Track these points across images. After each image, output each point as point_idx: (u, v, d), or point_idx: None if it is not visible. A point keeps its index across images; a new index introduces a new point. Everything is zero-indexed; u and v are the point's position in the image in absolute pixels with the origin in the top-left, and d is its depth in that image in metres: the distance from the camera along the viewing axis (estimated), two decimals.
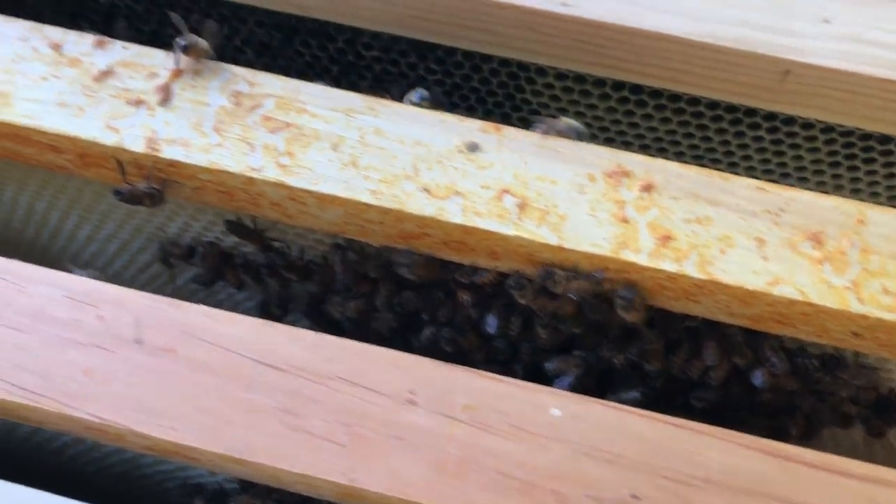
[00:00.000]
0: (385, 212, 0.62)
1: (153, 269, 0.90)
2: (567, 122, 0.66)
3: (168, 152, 0.63)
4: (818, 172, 0.80)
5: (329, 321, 0.82)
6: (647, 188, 0.63)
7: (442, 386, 0.55)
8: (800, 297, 0.60)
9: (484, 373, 0.56)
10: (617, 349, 0.71)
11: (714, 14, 0.70)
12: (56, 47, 0.66)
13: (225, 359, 0.55)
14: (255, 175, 0.62)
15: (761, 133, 0.79)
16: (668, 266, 0.60)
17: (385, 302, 0.74)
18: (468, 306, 0.71)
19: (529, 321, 0.71)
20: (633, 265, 0.61)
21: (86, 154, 0.65)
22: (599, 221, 0.62)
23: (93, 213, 0.82)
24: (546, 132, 0.65)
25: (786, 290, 0.60)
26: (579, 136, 0.66)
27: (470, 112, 0.90)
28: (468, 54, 0.82)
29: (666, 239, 0.61)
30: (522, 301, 0.66)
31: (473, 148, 0.64)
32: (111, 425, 0.53)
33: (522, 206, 0.62)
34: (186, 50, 0.66)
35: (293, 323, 0.85)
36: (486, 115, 0.89)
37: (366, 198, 0.62)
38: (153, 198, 0.65)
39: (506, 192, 0.62)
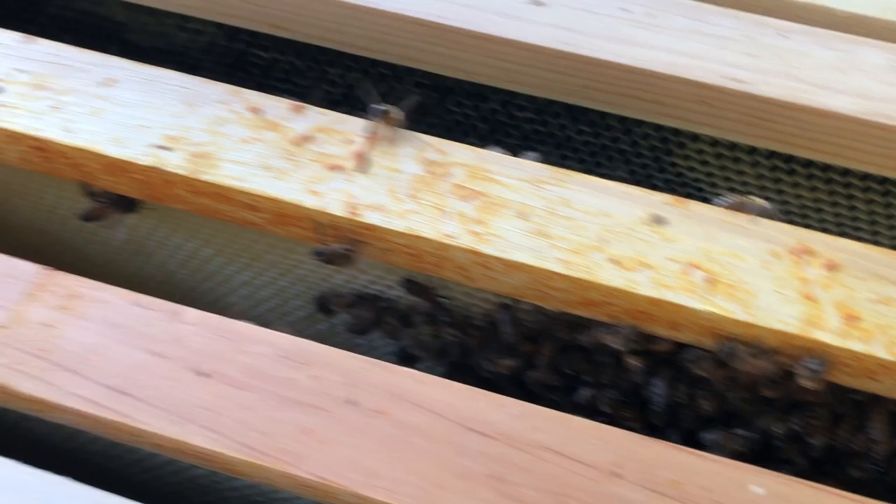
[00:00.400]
0: (573, 281, 0.64)
1: (301, 313, 0.93)
2: (758, 201, 0.67)
3: (367, 217, 0.65)
4: None
5: (465, 370, 0.84)
6: (831, 267, 0.64)
7: (645, 459, 0.57)
8: None
9: (684, 447, 0.58)
10: (780, 420, 0.72)
11: (883, 93, 0.72)
12: (256, 111, 0.70)
13: (435, 423, 0.57)
14: (449, 241, 0.65)
15: None
16: (857, 346, 0.62)
17: (547, 362, 0.76)
18: (635, 371, 0.73)
19: (693, 390, 0.73)
20: (820, 344, 0.62)
21: (283, 214, 0.68)
22: (786, 299, 0.63)
23: (259, 261, 0.85)
24: (732, 207, 0.67)
25: None
26: (764, 215, 0.67)
27: (613, 170, 0.92)
28: (622, 118, 0.85)
29: (852, 318, 0.63)
30: (699, 372, 0.68)
31: (659, 221, 0.66)
32: (331, 485, 0.55)
33: (711, 281, 0.63)
34: (382, 118, 0.68)
35: (429, 370, 0.88)
36: (630, 175, 0.91)
37: (556, 267, 0.64)
38: (347, 258, 0.67)
39: (693, 266, 0.64)
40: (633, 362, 0.72)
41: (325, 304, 0.85)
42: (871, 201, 0.82)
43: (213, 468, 0.58)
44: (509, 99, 0.88)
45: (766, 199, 0.84)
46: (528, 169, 0.68)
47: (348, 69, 0.91)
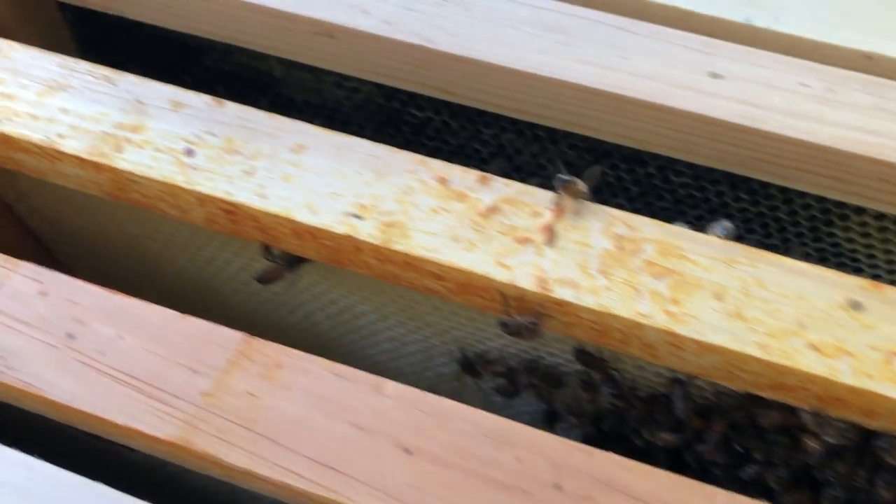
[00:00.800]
0: (769, 366, 0.63)
1: (443, 369, 0.93)
2: None
3: (558, 292, 0.65)
4: None
5: (613, 437, 0.83)
6: None
7: None
8: None
9: None
10: None
11: None
12: (442, 181, 0.70)
13: None
14: (643, 321, 0.64)
15: None
16: None
17: (717, 439, 0.75)
18: (813, 454, 0.71)
19: (875, 477, 0.71)
20: None
21: (469, 284, 0.68)
22: None
23: (416, 321, 0.86)
24: None
25: None
26: None
27: (767, 238, 0.91)
28: (784, 188, 0.84)
29: None
30: (891, 461, 0.66)
31: (856, 306, 0.65)
32: None
33: None
34: (568, 189, 0.68)
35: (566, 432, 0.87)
36: (783, 243, 0.90)
37: (754, 351, 0.63)
38: (532, 332, 0.67)
39: (894, 355, 0.63)
40: (814, 445, 0.70)
41: (473, 367, 0.86)
42: None
43: None
44: (668, 164, 0.87)
45: None
46: (719, 247, 0.67)
47: (503, 130, 0.91)
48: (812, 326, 0.64)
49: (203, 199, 0.71)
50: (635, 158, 0.88)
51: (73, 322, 0.63)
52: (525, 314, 0.67)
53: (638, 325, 0.65)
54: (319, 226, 0.68)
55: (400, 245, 0.67)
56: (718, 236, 0.74)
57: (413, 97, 0.91)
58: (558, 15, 0.80)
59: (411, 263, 0.68)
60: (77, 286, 0.65)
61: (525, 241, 0.68)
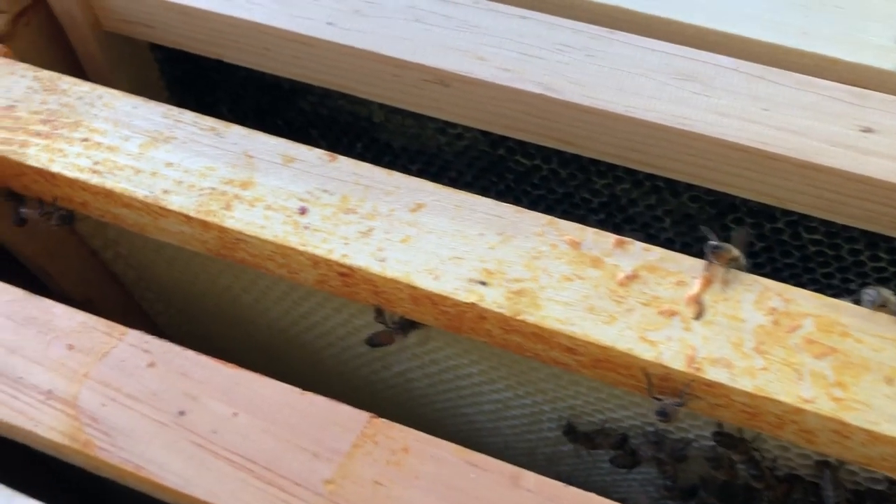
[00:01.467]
0: None
1: (548, 434, 0.87)
2: None
3: (711, 373, 0.59)
4: None
5: None
6: None
7: None
8: None
9: None
10: None
11: None
12: (574, 245, 0.65)
13: None
14: (806, 407, 0.58)
15: None
16: None
17: None
18: None
19: None
20: None
21: (605, 360, 0.62)
22: None
23: (527, 386, 0.80)
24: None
25: None
26: None
27: None
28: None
29: None
30: None
31: None
32: None
33: None
34: (718, 257, 0.63)
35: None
36: None
37: None
38: (677, 412, 0.61)
39: None
40: None
41: (584, 438, 0.80)
42: None
43: None
44: (800, 220, 0.81)
45: None
46: (886, 324, 0.61)
47: (618, 179, 0.86)
48: None
49: (317, 262, 0.66)
50: (763, 213, 0.82)
51: (184, 398, 0.59)
52: (667, 393, 0.61)
53: (799, 411, 0.58)
54: (442, 293, 0.63)
55: (531, 316, 0.62)
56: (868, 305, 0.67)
57: (522, 144, 0.86)
58: (691, 62, 0.74)
59: (541, 335, 0.63)
60: (188, 357, 0.61)
61: (671, 314, 0.62)
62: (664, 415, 0.60)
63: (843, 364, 0.59)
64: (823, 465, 0.68)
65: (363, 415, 0.58)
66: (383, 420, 0.58)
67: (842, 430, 0.58)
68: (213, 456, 0.57)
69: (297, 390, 0.59)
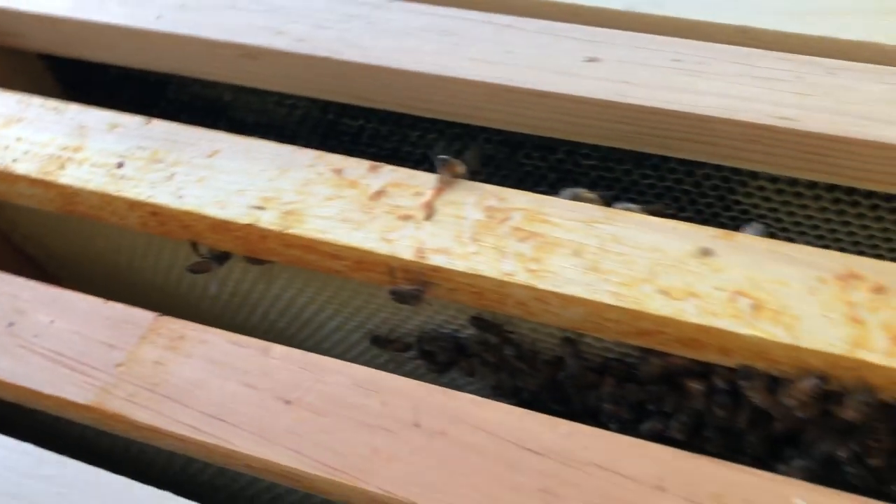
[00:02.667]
0: (624, 312, 0.69)
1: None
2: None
3: (433, 259, 0.72)
4: None
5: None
6: (879, 290, 0.66)
7: (689, 473, 0.60)
8: None
9: (728, 462, 0.61)
10: (841, 443, 0.73)
11: None
12: (338, 172, 0.79)
13: (491, 442, 0.63)
14: (507, 279, 0.71)
15: None
16: None
17: (611, 395, 0.80)
18: (697, 396, 0.75)
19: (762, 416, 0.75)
20: (867, 364, 0.64)
21: (362, 261, 0.76)
22: (832, 322, 0.65)
23: (346, 307, 0.93)
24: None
25: None
26: None
27: (681, 212, 0.96)
28: (683, 161, 0.89)
29: None
30: (754, 398, 0.70)
31: (706, 253, 0.70)
32: (397, 499, 0.61)
33: (756, 307, 0.66)
34: (447, 169, 0.76)
35: None
36: (697, 215, 0.95)
37: (607, 299, 0.69)
38: (416, 298, 0.74)
39: (739, 293, 0.67)
40: (697, 386, 0.75)
41: (381, 342, 0.93)
42: None
43: (296, 486, 0.65)
44: (574, 149, 0.94)
45: (818, 226, 0.87)
46: (582, 210, 0.74)
47: (426, 131, 0.99)
48: (663, 274, 0.69)
49: (132, 205, 0.81)
50: (545, 146, 0.95)
51: (14, 312, 0.74)
52: (411, 283, 0.75)
53: (504, 284, 0.71)
54: (227, 219, 0.77)
55: (297, 230, 0.76)
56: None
57: (344, 108, 1.00)
58: (451, 20, 0.88)
59: (310, 246, 0.76)
60: (20, 283, 0.76)
61: (407, 217, 0.75)
62: (396, 294, 0.73)
63: (540, 244, 0.72)
64: (565, 340, 0.81)
65: (151, 314, 0.73)
66: (168, 317, 0.73)
67: (539, 296, 0.71)
68: (33, 353, 0.71)
69: (101, 300, 0.74)
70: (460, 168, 0.77)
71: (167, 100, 1.10)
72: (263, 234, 0.77)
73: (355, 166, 0.79)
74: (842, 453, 0.74)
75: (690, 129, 0.80)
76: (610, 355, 0.81)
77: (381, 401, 0.66)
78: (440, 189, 0.76)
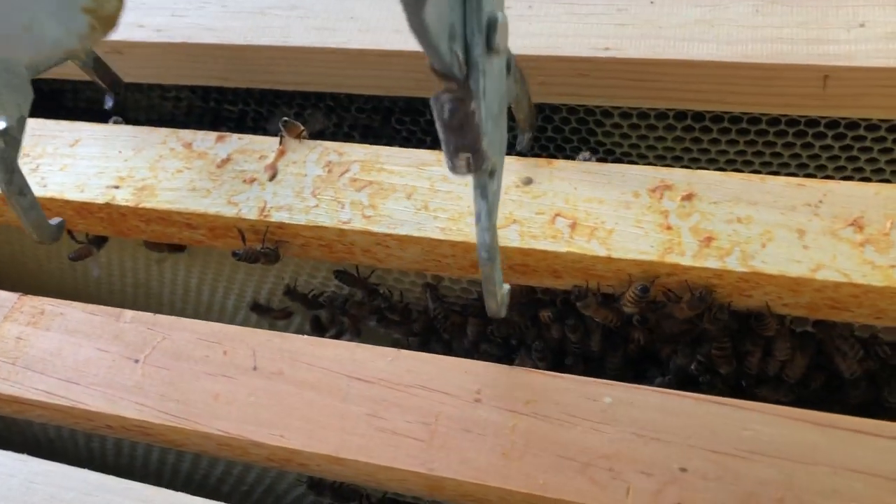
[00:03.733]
0: (454, 245, 0.72)
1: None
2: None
3: (276, 216, 0.76)
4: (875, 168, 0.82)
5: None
6: (689, 197, 0.69)
7: (505, 385, 0.63)
8: (843, 280, 0.63)
9: (544, 371, 0.64)
10: (688, 356, 0.76)
11: (748, 36, 0.76)
12: (188, 145, 0.82)
13: (324, 376, 0.66)
14: (345, 227, 0.74)
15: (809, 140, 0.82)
16: (712, 263, 0.66)
17: (476, 332, 0.83)
18: (551, 322, 0.78)
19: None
20: (678, 266, 0.66)
21: (214, 227, 0.79)
22: (645, 231, 0.68)
23: (234, 282, 0.97)
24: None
25: (829, 274, 0.63)
26: None
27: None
28: (537, 106, 0.92)
29: (709, 240, 0.67)
30: (588, 314, 0.73)
31: (528, 181, 0.73)
32: (234, 438, 0.64)
33: (573, 226, 0.69)
34: (287, 131, 0.79)
35: None
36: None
37: (436, 234, 0.72)
38: (268, 256, 0.77)
39: (558, 215, 0.70)
40: (546, 314, 0.78)
41: (262, 310, 0.96)
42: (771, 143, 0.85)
43: (147, 439, 0.68)
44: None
45: (680, 157, 0.90)
46: (414, 156, 0.77)
47: (302, 107, 1.02)
48: None
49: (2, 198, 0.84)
50: (411, 109, 0.98)
51: None
52: (260, 242, 0.78)
53: (342, 232, 0.74)
54: (86, 200, 0.81)
55: (149, 203, 0.79)
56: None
57: (222, 93, 1.03)
58: None
59: (164, 218, 0.80)
60: None
61: (252, 180, 0.79)
62: (237, 255, 0.76)
63: (376, 191, 0.75)
64: (425, 286, 0.84)
65: (14, 295, 0.76)
66: (30, 296, 0.76)
67: (378, 240, 0.74)
68: None
69: None
70: (302, 129, 0.80)
71: (65, 108, 1.14)
72: (122, 212, 0.81)
73: (203, 138, 0.82)
74: (693, 367, 0.77)
75: (525, 70, 0.83)
76: (471, 296, 0.84)
77: (223, 350, 0.69)
78: (282, 151, 0.80)
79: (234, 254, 0.77)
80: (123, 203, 0.80)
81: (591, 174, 0.72)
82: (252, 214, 0.76)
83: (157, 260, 0.97)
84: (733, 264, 0.65)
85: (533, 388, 0.62)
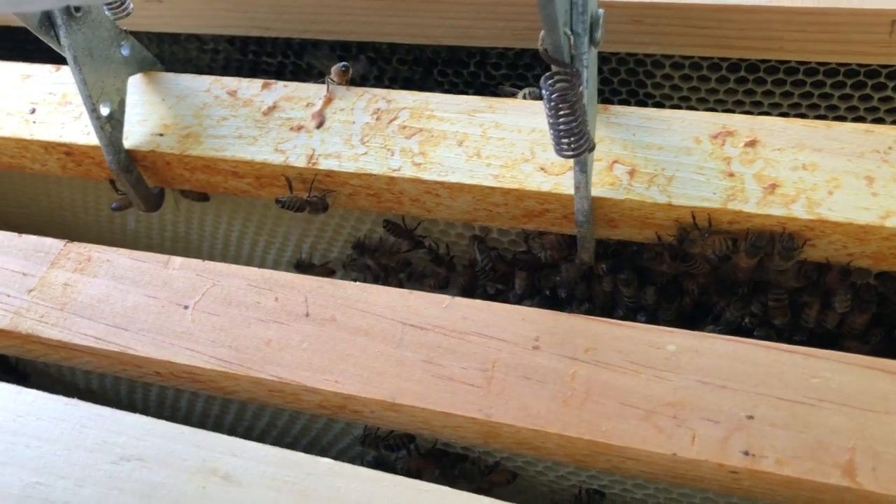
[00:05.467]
0: (507, 192, 0.70)
1: None
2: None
3: (324, 164, 0.74)
4: None
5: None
6: (752, 143, 0.67)
7: (564, 332, 0.61)
8: None
9: (604, 319, 0.62)
10: (742, 308, 0.74)
11: None
12: (233, 93, 0.81)
13: (377, 323, 0.65)
14: (395, 175, 0.72)
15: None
16: (777, 211, 0.64)
17: (525, 286, 0.81)
18: (604, 274, 0.77)
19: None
20: (742, 214, 0.65)
21: (260, 175, 0.78)
22: (707, 178, 0.66)
23: (275, 236, 0.96)
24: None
25: None
26: None
27: None
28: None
29: (773, 187, 0.65)
30: (661, 268, 0.71)
31: None
32: (287, 384, 0.63)
33: (632, 173, 0.67)
34: (336, 77, 0.78)
35: None
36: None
37: (489, 182, 0.70)
38: (314, 205, 0.76)
39: (616, 162, 0.69)
40: (601, 266, 0.76)
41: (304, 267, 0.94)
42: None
43: (197, 386, 0.68)
44: (483, 59, 0.95)
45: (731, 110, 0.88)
46: (464, 102, 0.75)
47: (329, 57, 1.01)
48: (541, 153, 0.70)
49: (46, 146, 0.83)
50: (455, 59, 0.96)
51: None
52: (307, 191, 0.76)
53: (392, 180, 0.73)
54: (130, 148, 0.80)
55: (195, 150, 0.78)
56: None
57: (261, 45, 1.02)
58: None
59: (209, 166, 0.79)
60: None
61: (299, 128, 0.77)
62: (280, 202, 0.75)
63: (426, 139, 0.74)
64: (473, 238, 0.82)
65: (61, 242, 0.75)
66: (76, 242, 0.75)
67: (426, 188, 0.73)
68: None
69: (14, 234, 0.77)
70: (348, 74, 0.78)
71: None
72: (166, 160, 0.80)
73: (248, 86, 0.81)
74: (747, 319, 0.75)
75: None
76: (519, 249, 0.82)
77: (275, 297, 0.68)
78: (329, 98, 0.78)
79: (278, 200, 0.76)
80: (168, 151, 0.79)
81: (649, 119, 0.70)
82: (300, 162, 0.75)
83: (198, 212, 0.96)
84: (799, 212, 0.63)
85: (593, 335, 0.61)
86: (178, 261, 0.72)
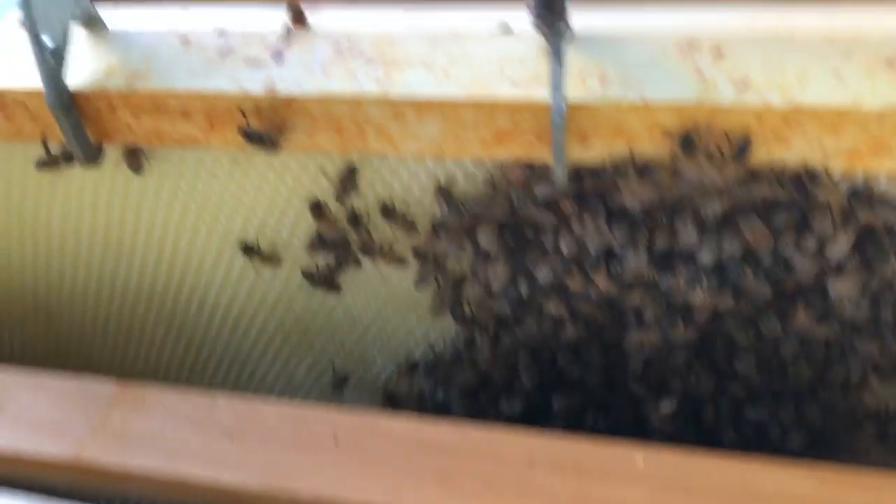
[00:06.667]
0: (478, 107, 0.68)
1: None
2: None
3: (284, 91, 0.71)
4: None
5: None
6: (719, 51, 0.67)
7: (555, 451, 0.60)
8: (889, 107, 0.62)
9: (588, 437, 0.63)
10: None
11: None
12: (185, 39, 0.78)
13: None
14: (360, 97, 0.70)
15: None
16: (752, 97, 0.64)
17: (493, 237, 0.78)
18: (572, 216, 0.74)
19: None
20: (719, 109, 0.64)
21: (212, 112, 0.74)
22: (677, 80, 0.66)
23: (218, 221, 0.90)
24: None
25: (874, 103, 0.62)
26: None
27: None
28: None
29: (745, 85, 0.65)
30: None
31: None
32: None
33: (602, 79, 0.67)
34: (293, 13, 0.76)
35: None
36: None
37: (459, 97, 0.68)
38: (273, 142, 0.72)
39: (587, 76, 0.68)
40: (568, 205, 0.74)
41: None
42: None
43: None
44: None
45: None
46: (430, 34, 0.74)
47: None
48: (510, 68, 0.69)
49: None
50: None
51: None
52: (266, 125, 0.73)
53: (358, 104, 0.70)
54: (75, 90, 0.75)
55: (143, 87, 0.74)
56: None
57: None
58: None
59: (158, 107, 0.74)
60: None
61: (256, 63, 0.74)
62: (246, 134, 0.72)
63: (391, 65, 0.72)
64: (438, 191, 0.79)
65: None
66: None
67: (396, 110, 0.70)
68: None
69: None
70: (303, 10, 0.77)
71: None
72: (111, 103, 0.75)
73: (202, 32, 0.78)
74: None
75: None
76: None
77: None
78: (289, 37, 0.76)
79: (244, 132, 0.72)
80: (114, 89, 0.74)
81: (618, 39, 0.70)
82: (257, 90, 0.72)
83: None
84: (775, 100, 0.63)
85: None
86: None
